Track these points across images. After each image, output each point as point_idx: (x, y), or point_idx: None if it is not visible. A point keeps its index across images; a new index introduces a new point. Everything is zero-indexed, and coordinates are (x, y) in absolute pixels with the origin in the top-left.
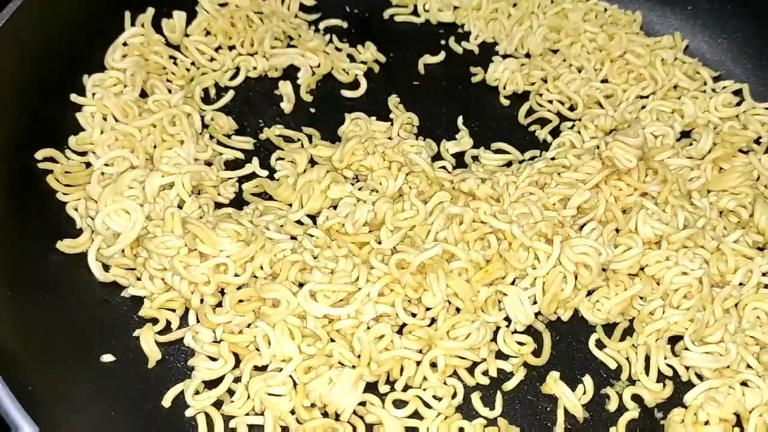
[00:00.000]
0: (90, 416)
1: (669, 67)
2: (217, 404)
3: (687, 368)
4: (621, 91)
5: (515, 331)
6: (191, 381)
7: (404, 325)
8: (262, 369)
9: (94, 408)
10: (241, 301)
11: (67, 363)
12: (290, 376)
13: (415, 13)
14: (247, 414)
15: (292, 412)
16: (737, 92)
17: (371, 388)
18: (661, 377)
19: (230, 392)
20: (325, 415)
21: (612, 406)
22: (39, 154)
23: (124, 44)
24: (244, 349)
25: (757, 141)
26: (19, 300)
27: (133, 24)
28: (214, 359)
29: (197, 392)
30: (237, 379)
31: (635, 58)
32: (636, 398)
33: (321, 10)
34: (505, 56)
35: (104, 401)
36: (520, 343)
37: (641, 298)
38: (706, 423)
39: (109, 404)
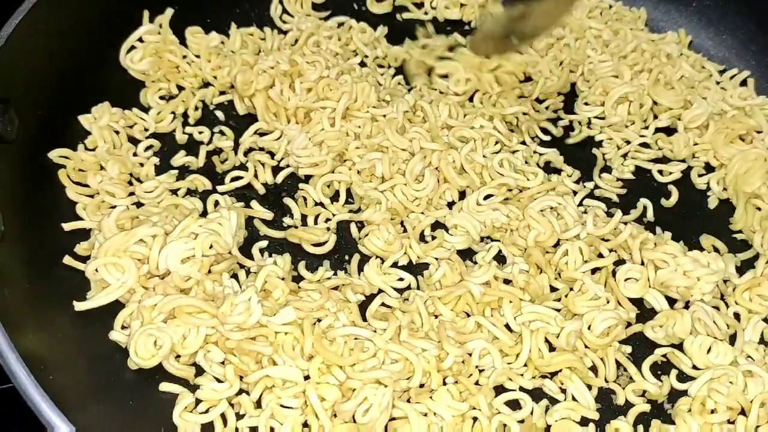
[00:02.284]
0: (124, 416)
1: (675, 61)
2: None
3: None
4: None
5: None
6: (186, 396)
7: None
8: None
9: (128, 408)
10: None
11: (99, 365)
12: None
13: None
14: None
15: (305, 425)
16: (742, 84)
17: None
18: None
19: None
20: None
21: (620, 400)
22: (53, 154)
23: (141, 41)
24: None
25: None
26: (45, 310)
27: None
28: (219, 381)
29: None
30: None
31: (640, 54)
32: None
33: (329, 7)
34: None
35: (137, 401)
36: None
37: None
38: (713, 411)
39: (141, 405)
